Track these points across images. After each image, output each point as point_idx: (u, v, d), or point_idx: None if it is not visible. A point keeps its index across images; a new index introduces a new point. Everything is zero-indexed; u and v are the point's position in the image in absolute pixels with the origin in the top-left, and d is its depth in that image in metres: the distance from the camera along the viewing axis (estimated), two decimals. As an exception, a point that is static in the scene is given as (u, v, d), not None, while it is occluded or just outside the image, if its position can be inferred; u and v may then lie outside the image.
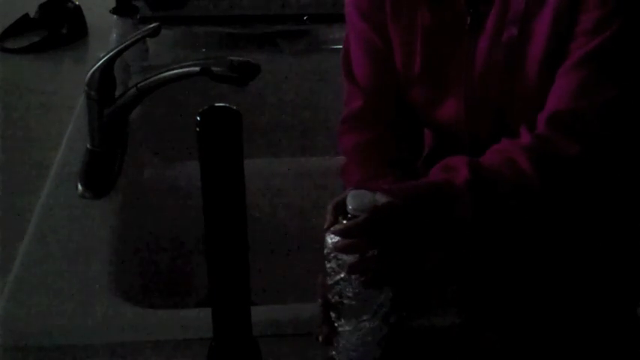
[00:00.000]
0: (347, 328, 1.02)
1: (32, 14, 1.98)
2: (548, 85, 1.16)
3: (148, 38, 1.48)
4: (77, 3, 1.98)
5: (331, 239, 0.99)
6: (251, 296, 0.98)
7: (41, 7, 1.98)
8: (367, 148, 1.29)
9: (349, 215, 0.98)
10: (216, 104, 0.88)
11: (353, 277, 0.99)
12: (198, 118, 0.87)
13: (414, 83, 1.25)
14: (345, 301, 1.00)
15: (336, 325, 1.02)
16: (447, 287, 1.15)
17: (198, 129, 0.87)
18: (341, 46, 1.34)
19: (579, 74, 1.12)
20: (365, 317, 1.01)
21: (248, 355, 1.02)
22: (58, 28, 1.93)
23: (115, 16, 1.83)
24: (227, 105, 0.89)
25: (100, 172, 1.39)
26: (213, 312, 0.98)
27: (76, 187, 1.36)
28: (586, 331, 1.14)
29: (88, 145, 1.41)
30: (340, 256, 0.98)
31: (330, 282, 1.01)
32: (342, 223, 0.99)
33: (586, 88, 1.12)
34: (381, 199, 1.01)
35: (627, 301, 1.25)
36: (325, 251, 1.00)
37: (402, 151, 1.29)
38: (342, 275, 0.99)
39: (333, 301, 1.01)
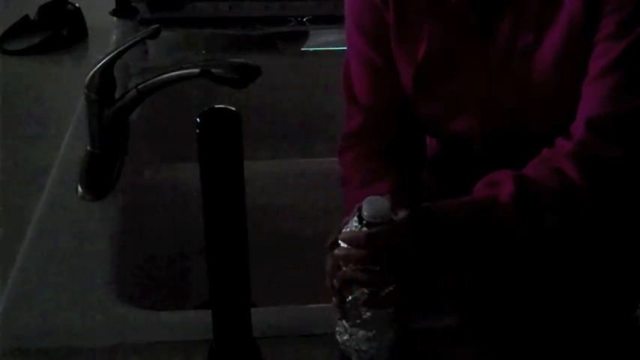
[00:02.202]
0: (360, 332, 1.02)
1: (32, 16, 1.98)
2: (562, 88, 1.17)
3: (147, 40, 1.48)
4: (77, 5, 1.99)
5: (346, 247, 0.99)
6: (251, 298, 0.98)
7: (41, 8, 1.98)
8: (365, 159, 1.28)
9: (364, 222, 0.98)
10: (216, 106, 0.88)
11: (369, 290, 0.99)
12: (198, 120, 0.87)
13: (425, 97, 1.24)
14: (362, 314, 1.01)
15: (348, 329, 1.03)
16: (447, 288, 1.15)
17: (197, 130, 0.87)
18: (340, 48, 1.34)
19: (611, 78, 1.12)
20: (380, 327, 1.01)
21: (248, 356, 1.01)
22: (58, 30, 1.93)
23: (114, 18, 1.83)
24: (227, 106, 0.89)
25: (100, 174, 1.39)
26: (213, 313, 0.98)
27: (76, 188, 1.36)
28: (586, 331, 1.14)
29: (88, 147, 1.41)
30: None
31: (347, 297, 1.01)
32: (356, 226, 0.99)
33: (619, 92, 1.12)
34: (401, 213, 1.02)
35: (626, 302, 1.25)
36: (340, 262, 1.00)
37: (402, 164, 1.28)
38: (361, 289, 0.99)
39: (348, 307, 1.01)
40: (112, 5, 1.85)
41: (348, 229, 1.01)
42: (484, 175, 1.15)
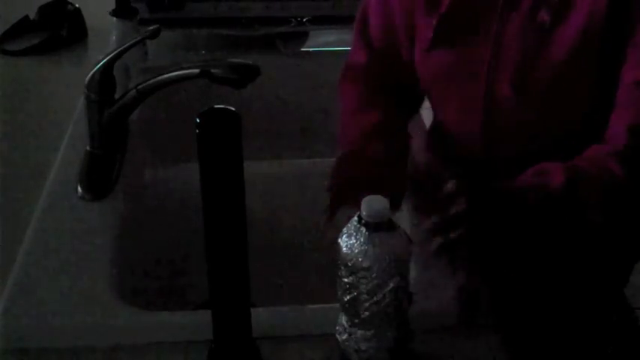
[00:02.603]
0: (359, 331, 1.02)
1: (32, 16, 1.98)
2: (573, 72, 1.17)
3: (147, 40, 1.48)
4: (77, 5, 1.98)
5: (345, 246, 0.99)
6: (251, 298, 0.98)
7: (41, 9, 1.98)
8: (363, 90, 1.37)
9: (363, 221, 0.98)
10: (216, 106, 0.89)
11: (368, 289, 0.99)
12: (198, 120, 0.87)
13: (440, 47, 1.26)
14: (361, 314, 1.01)
15: (347, 328, 1.03)
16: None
17: (197, 130, 0.87)
18: (340, 48, 1.35)
19: None
20: (379, 326, 1.01)
21: (248, 356, 1.02)
22: (57, 30, 1.93)
23: (114, 18, 1.83)
24: (226, 107, 0.89)
25: (99, 174, 1.39)
26: (213, 314, 0.98)
27: (76, 189, 1.36)
28: (588, 330, 1.14)
29: (88, 147, 1.41)
30: (357, 270, 0.98)
31: (346, 297, 1.01)
32: (355, 226, 0.99)
33: None
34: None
35: (615, 285, 1.27)
36: (339, 261, 1.00)
37: (396, 101, 1.35)
38: (360, 289, 0.99)
39: (347, 306, 1.01)
40: (112, 5, 1.85)
41: (347, 229, 1.01)
42: (480, 158, 1.17)
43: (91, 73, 1.36)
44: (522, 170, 1.14)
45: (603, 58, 1.15)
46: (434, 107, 1.39)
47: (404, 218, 1.23)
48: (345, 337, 1.03)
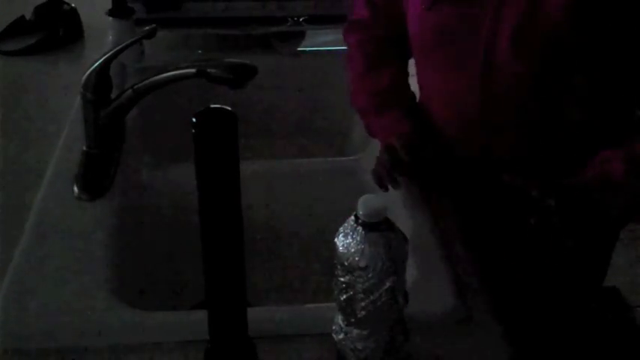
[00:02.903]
0: (355, 331, 1.02)
1: (28, 16, 1.98)
2: (568, 31, 1.19)
3: (144, 40, 1.48)
4: (73, 5, 1.98)
5: (342, 246, 0.99)
6: (248, 297, 0.98)
7: (37, 9, 1.98)
8: (368, 42, 1.45)
9: (360, 221, 0.98)
10: (212, 106, 0.88)
11: (364, 289, 0.99)
12: (194, 120, 0.87)
13: (437, 8, 1.29)
14: (357, 313, 1.01)
15: (343, 327, 1.03)
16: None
17: (193, 130, 0.87)
18: (336, 48, 1.35)
19: None
20: (375, 326, 1.01)
21: (244, 356, 1.02)
22: (54, 30, 1.93)
23: (110, 18, 1.83)
24: (223, 106, 0.89)
25: (96, 174, 1.39)
26: (209, 314, 0.98)
27: (72, 189, 1.36)
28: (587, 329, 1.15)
29: (84, 147, 1.41)
30: (353, 270, 0.98)
31: (342, 296, 1.01)
32: (352, 225, 0.99)
33: None
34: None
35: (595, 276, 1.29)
36: (335, 261, 1.00)
37: (399, 52, 1.44)
38: (356, 288, 0.99)
39: (343, 305, 1.01)
40: (108, 5, 1.85)
41: (343, 228, 1.01)
42: (474, 124, 1.20)
43: (88, 72, 1.36)
44: (518, 140, 1.16)
45: (600, 22, 1.16)
46: (422, 77, 1.41)
47: (401, 217, 1.24)
48: (341, 336, 1.03)
